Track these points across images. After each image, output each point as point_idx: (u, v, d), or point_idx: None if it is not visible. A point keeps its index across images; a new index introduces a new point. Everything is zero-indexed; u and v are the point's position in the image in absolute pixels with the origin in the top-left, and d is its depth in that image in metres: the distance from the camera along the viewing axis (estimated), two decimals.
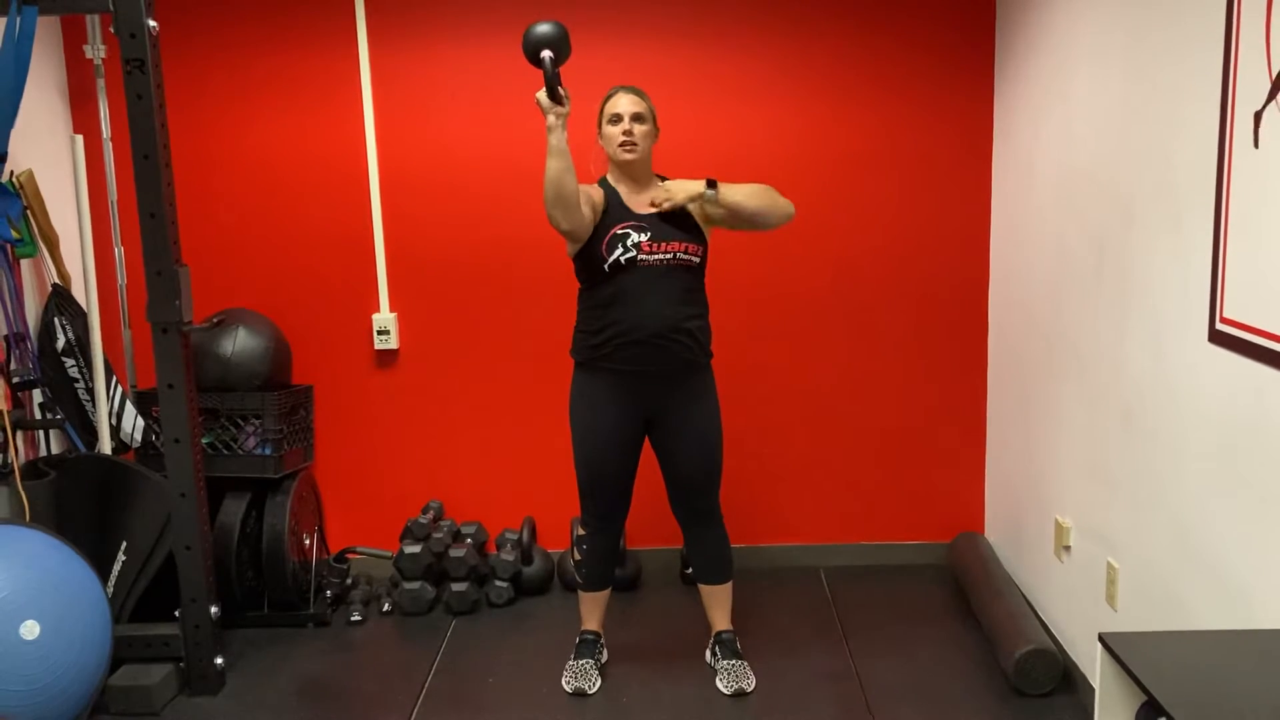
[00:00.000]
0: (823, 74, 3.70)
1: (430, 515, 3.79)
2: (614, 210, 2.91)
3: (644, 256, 2.87)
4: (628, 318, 2.88)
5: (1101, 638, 1.69)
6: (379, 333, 3.82)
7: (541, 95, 2.72)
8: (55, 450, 3.50)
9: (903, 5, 3.66)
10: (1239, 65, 2.06)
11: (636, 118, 2.90)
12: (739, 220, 2.97)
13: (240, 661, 3.33)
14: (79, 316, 3.50)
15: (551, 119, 2.71)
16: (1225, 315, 2.14)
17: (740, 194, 2.92)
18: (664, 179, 3.02)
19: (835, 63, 3.70)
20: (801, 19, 3.67)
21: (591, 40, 3.63)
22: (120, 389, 3.53)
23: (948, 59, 3.69)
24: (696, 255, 2.94)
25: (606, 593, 3.22)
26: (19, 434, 3.32)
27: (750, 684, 3.07)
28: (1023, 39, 3.40)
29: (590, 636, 3.22)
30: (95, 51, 3.58)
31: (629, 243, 2.87)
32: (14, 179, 3.29)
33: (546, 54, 2.67)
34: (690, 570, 3.68)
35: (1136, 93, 2.55)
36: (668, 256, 2.89)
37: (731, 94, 3.71)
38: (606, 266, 2.88)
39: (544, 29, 2.68)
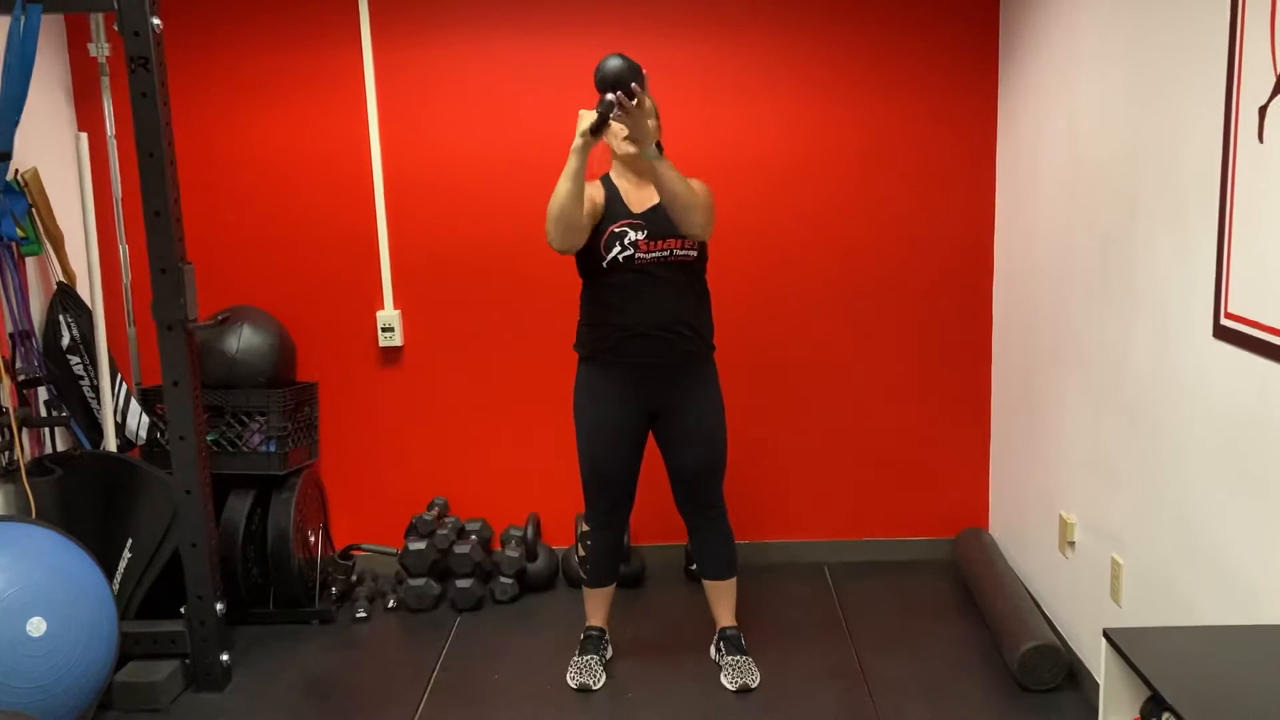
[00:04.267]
0: (826, 71, 3.70)
1: (435, 512, 3.80)
2: (613, 208, 2.93)
3: (641, 255, 2.89)
4: (629, 312, 2.90)
5: (1106, 633, 1.70)
6: (383, 330, 3.83)
7: (587, 115, 2.73)
8: (61, 448, 3.51)
9: (906, 2, 3.66)
10: (1243, 60, 2.05)
11: None
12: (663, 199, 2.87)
13: (246, 658, 3.33)
14: (84, 314, 3.50)
15: (579, 141, 2.74)
16: (1230, 311, 2.13)
17: (670, 173, 2.79)
18: None
19: (839, 60, 3.69)
20: (806, 16, 3.67)
21: (595, 37, 3.63)
22: (125, 386, 3.54)
23: (951, 54, 3.68)
24: (693, 251, 2.95)
25: (611, 589, 3.22)
26: (25, 431, 3.33)
27: (755, 680, 3.07)
28: (1026, 35, 3.40)
29: (595, 632, 3.22)
30: (99, 49, 3.59)
31: (626, 241, 2.89)
32: (19, 177, 3.30)
33: (611, 96, 2.66)
34: (694, 566, 3.69)
35: (1140, 88, 2.55)
36: (664, 254, 2.90)
37: (736, 91, 3.71)
38: (605, 264, 2.90)
39: (618, 64, 2.68)
